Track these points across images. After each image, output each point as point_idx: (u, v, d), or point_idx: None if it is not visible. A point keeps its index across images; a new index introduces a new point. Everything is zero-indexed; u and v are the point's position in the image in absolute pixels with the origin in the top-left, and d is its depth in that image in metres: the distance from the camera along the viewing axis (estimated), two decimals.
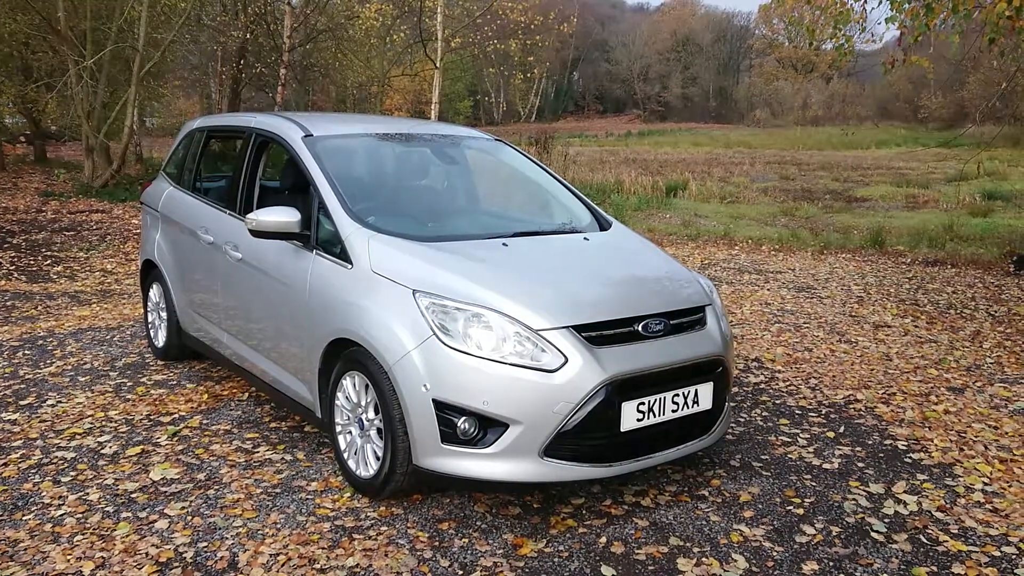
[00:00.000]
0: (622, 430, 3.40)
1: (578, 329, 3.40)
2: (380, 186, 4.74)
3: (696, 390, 3.63)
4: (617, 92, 78.73)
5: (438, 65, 17.96)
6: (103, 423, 4.61)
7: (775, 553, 3.30)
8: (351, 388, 3.74)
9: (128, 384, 5.29)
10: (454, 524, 3.50)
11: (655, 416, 3.48)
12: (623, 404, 3.37)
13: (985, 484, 3.98)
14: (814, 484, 3.95)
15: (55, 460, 4.11)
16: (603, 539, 3.39)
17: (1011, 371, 5.88)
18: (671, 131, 54.04)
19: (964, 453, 4.36)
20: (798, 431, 4.64)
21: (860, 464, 4.20)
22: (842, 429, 4.68)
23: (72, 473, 3.96)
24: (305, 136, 4.45)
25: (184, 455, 4.19)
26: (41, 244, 10.96)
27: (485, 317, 3.38)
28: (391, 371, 3.42)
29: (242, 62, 19.46)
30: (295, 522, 3.49)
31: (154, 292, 5.89)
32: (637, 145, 40.23)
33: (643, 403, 3.43)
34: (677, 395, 3.55)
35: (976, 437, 4.58)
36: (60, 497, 3.70)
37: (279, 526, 3.46)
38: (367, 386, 3.63)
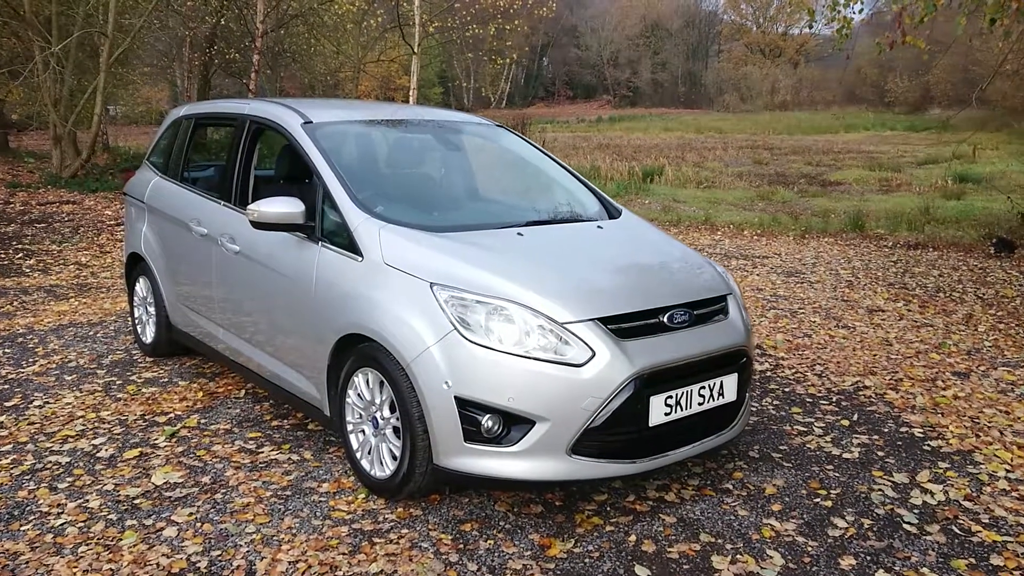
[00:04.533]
0: (650, 425, 3.29)
1: (604, 321, 3.28)
2: (385, 174, 4.58)
3: (721, 381, 3.53)
4: (587, 78, 78.40)
5: (416, 51, 17.67)
6: (96, 424, 4.42)
7: (810, 548, 3.22)
8: (364, 385, 3.59)
9: (118, 382, 5.09)
10: (477, 525, 3.37)
11: (682, 409, 3.38)
12: (651, 398, 3.27)
13: (1007, 471, 3.94)
14: (837, 475, 3.88)
15: (49, 465, 3.91)
16: (632, 537, 3.29)
17: (1011, 354, 5.88)
18: (642, 116, 53.87)
19: (981, 440, 4.32)
20: (812, 420, 4.58)
21: (880, 453, 4.14)
22: (856, 417, 4.63)
23: (69, 479, 3.77)
24: (304, 123, 4.27)
25: (185, 457, 4.01)
26: (11, 237, 10.59)
27: (507, 310, 3.25)
28: (409, 368, 3.28)
29: (213, 48, 19.00)
30: (311, 526, 3.34)
31: (141, 286, 5.68)
32: (609, 130, 40.07)
33: (670, 396, 3.33)
34: (703, 387, 3.46)
35: (990, 423, 4.55)
36: (59, 505, 3.51)
37: (295, 531, 3.31)
38: (382, 383, 3.48)
